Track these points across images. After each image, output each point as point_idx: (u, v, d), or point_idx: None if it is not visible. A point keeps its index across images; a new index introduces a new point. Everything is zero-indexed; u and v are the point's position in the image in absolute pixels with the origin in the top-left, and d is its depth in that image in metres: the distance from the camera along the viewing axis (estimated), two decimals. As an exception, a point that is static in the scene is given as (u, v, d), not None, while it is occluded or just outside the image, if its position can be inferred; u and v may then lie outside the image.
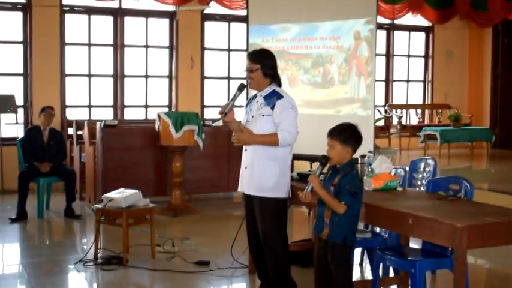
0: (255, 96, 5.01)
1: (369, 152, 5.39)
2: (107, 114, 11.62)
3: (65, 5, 11.13)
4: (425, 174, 5.77)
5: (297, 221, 8.25)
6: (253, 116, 4.90)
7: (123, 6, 11.65)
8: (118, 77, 11.73)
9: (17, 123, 10.55)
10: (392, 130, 13.85)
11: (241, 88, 4.91)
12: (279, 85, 4.96)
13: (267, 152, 4.82)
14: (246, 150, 4.96)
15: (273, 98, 4.82)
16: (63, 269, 6.12)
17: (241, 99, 5.42)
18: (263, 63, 4.86)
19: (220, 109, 4.89)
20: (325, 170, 4.37)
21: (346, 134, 4.24)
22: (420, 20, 14.55)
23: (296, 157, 4.99)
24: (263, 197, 4.82)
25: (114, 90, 11.75)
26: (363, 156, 5.22)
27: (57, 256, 6.53)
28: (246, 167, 4.95)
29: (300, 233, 7.25)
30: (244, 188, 4.99)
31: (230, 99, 4.91)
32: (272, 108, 4.79)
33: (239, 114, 5.08)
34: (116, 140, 8.67)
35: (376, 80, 9.63)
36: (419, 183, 5.77)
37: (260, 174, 4.83)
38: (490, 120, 14.96)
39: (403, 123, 14.04)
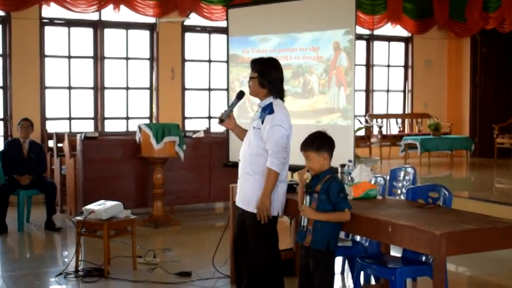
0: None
1: (349, 161, 5.41)
2: (88, 127, 11.59)
3: (45, 17, 11.11)
4: (404, 183, 5.80)
5: (279, 231, 8.25)
6: (251, 125, 4.89)
7: (103, 18, 11.64)
8: (98, 89, 11.71)
9: (-4, 136, 10.50)
10: (372, 140, 13.92)
11: (239, 96, 4.92)
12: (281, 98, 4.84)
13: (251, 166, 4.79)
14: (239, 161, 4.93)
15: (266, 112, 4.75)
16: (44, 282, 6.09)
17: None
18: (261, 72, 4.80)
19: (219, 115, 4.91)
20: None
21: (317, 142, 4.33)
22: (399, 31, 14.66)
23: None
24: (250, 212, 4.79)
25: (94, 102, 11.73)
26: (342, 166, 5.24)
27: (38, 269, 6.49)
28: (238, 178, 4.95)
29: (282, 243, 7.24)
30: (236, 199, 5.00)
31: (229, 106, 4.90)
32: (262, 122, 4.73)
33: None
34: (96, 152, 8.64)
35: (356, 90, 9.68)
36: (399, 191, 5.81)
37: (247, 188, 4.82)
38: (470, 129, 15.08)
39: (384, 132, 14.12)
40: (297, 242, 4.52)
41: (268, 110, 4.75)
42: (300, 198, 4.44)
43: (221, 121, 4.88)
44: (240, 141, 5.02)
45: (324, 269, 4.29)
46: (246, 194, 4.82)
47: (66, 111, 11.51)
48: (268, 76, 4.79)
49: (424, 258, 4.56)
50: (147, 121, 11.98)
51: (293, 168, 6.57)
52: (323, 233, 4.24)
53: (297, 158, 4.80)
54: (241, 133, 4.99)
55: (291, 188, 4.97)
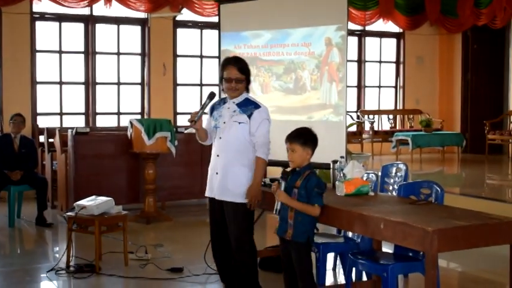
0: (224, 102, 5.04)
1: (341, 157, 5.42)
2: (79, 122, 11.55)
3: (36, 12, 11.06)
4: (396, 179, 5.81)
5: (270, 227, 8.26)
6: (225, 122, 4.93)
7: (95, 13, 11.60)
8: (90, 84, 11.67)
9: (-13, 131, 10.45)
10: (364, 136, 13.92)
11: (211, 96, 4.98)
12: (247, 91, 5.05)
13: (240, 160, 4.90)
14: (218, 156, 4.98)
15: (249, 107, 4.92)
16: (35, 277, 6.07)
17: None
18: (248, 75, 4.97)
19: (189, 116, 4.91)
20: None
21: (304, 136, 4.47)
22: (391, 26, 14.66)
23: (268, 163, 5.02)
24: (237, 202, 4.87)
25: (85, 97, 11.69)
26: (334, 162, 5.25)
27: (29, 265, 6.47)
28: (217, 173, 4.97)
29: (272, 239, 7.25)
30: (215, 193, 5.01)
31: (200, 107, 4.93)
32: (249, 116, 4.88)
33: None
34: (87, 148, 8.62)
35: (348, 86, 9.68)
36: (391, 187, 5.81)
37: (234, 181, 4.89)
38: (461, 125, 15.10)
39: (375, 128, 14.13)
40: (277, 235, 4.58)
41: (252, 104, 4.94)
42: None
43: (193, 122, 4.88)
44: None
45: (306, 260, 4.44)
46: (234, 187, 4.88)
47: (57, 107, 11.47)
48: (249, 76, 5.01)
49: (416, 254, 4.56)
50: (139, 116, 11.95)
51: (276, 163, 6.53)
52: (303, 225, 4.39)
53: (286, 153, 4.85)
54: (204, 133, 5.07)
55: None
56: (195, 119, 4.86)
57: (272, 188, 4.52)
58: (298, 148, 4.41)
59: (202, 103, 4.98)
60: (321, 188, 4.38)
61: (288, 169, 4.50)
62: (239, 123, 4.89)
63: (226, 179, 4.91)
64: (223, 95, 5.17)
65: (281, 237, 4.53)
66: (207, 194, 5.11)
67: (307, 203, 4.35)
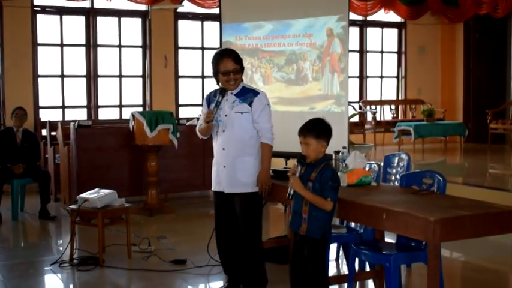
0: (221, 94, 4.96)
1: (343, 147, 5.41)
2: (81, 115, 11.55)
3: (36, 5, 11.05)
4: (399, 169, 5.81)
5: (273, 218, 8.28)
6: (227, 115, 4.89)
7: (95, 6, 11.59)
8: (91, 77, 11.67)
9: (-11, 125, 10.46)
10: (366, 126, 13.92)
11: (222, 92, 4.91)
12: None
13: (246, 149, 4.88)
14: (224, 149, 4.94)
15: (248, 95, 4.90)
16: (39, 270, 6.09)
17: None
18: (242, 63, 4.95)
19: (204, 117, 4.87)
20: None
21: (317, 128, 4.30)
22: (392, 16, 14.63)
23: (272, 155, 5.01)
24: (247, 192, 4.86)
25: (87, 90, 11.69)
26: (337, 152, 5.24)
27: (33, 258, 6.49)
28: (224, 166, 4.94)
29: (276, 230, 7.28)
30: (224, 187, 4.98)
31: (214, 105, 4.88)
32: (250, 104, 4.86)
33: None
34: (90, 141, 8.63)
35: (350, 77, 9.65)
36: (393, 178, 5.81)
37: (243, 171, 4.87)
38: (463, 114, 15.09)
39: (377, 119, 14.11)
40: (290, 229, 4.52)
41: (250, 92, 4.93)
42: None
43: (210, 122, 4.86)
44: None
45: (319, 257, 4.29)
46: (244, 177, 4.86)
47: (59, 100, 11.47)
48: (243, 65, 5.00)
49: (418, 244, 4.57)
50: (141, 109, 11.95)
51: (287, 155, 6.58)
52: (318, 221, 4.22)
53: (292, 144, 4.84)
54: (210, 129, 5.02)
55: (283, 175, 4.98)
56: (211, 118, 4.83)
57: (289, 172, 4.35)
58: (312, 142, 4.24)
59: (216, 101, 4.89)
60: (335, 182, 4.23)
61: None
62: (241, 113, 4.86)
63: (235, 171, 4.89)
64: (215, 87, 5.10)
65: (294, 231, 4.40)
66: (215, 188, 5.08)
67: (319, 196, 4.19)
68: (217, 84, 5.03)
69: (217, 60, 4.94)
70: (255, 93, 4.93)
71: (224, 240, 5.11)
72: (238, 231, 4.98)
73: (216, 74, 4.98)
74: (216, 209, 5.15)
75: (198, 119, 10.15)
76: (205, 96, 5.19)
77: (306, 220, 4.26)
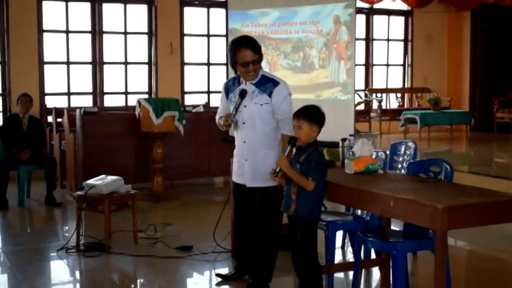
0: (238, 82, 4.91)
1: (350, 135, 5.41)
2: (87, 102, 11.55)
3: (42, -9, 11.04)
4: (405, 157, 5.79)
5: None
6: (246, 106, 4.81)
7: (101, -8, 11.57)
8: (97, 63, 11.66)
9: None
10: (372, 114, 13.90)
11: (242, 94, 4.80)
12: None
13: (267, 142, 4.84)
14: (245, 142, 4.89)
15: (268, 85, 4.79)
16: (46, 256, 6.11)
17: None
18: (261, 52, 4.81)
19: (223, 120, 4.84)
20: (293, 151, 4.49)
21: (311, 113, 4.42)
22: (399, 4, 14.56)
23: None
24: (270, 186, 4.77)
25: (93, 77, 11.69)
26: (344, 140, 5.24)
27: (39, 244, 6.52)
28: (246, 160, 4.90)
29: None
30: (246, 180, 4.94)
31: (233, 108, 4.82)
32: (269, 95, 4.77)
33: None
34: (96, 127, 8.63)
35: (356, 65, 9.63)
36: (399, 166, 5.79)
37: (264, 165, 4.78)
38: (469, 103, 15.06)
39: (383, 107, 14.09)
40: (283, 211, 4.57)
41: (270, 82, 4.81)
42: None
43: (229, 126, 4.84)
44: None
45: (308, 237, 4.41)
46: (265, 171, 4.71)
47: (64, 86, 11.47)
48: (261, 53, 4.86)
49: (425, 232, 4.56)
50: (146, 96, 11.94)
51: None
52: (305, 201, 4.34)
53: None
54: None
55: None
56: (229, 122, 4.79)
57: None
58: (305, 125, 4.37)
59: (235, 104, 4.81)
60: (320, 164, 4.33)
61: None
62: (261, 104, 4.77)
63: (257, 164, 4.84)
64: (232, 75, 5.08)
65: (286, 213, 4.51)
66: (237, 180, 5.02)
67: (302, 175, 4.30)
68: (235, 73, 4.94)
69: (234, 50, 4.77)
70: (275, 83, 4.80)
71: (243, 229, 5.10)
72: (257, 222, 4.93)
73: (234, 65, 4.83)
74: (235, 199, 5.15)
75: (203, 106, 10.21)
76: (223, 84, 5.12)
77: (294, 201, 4.39)
